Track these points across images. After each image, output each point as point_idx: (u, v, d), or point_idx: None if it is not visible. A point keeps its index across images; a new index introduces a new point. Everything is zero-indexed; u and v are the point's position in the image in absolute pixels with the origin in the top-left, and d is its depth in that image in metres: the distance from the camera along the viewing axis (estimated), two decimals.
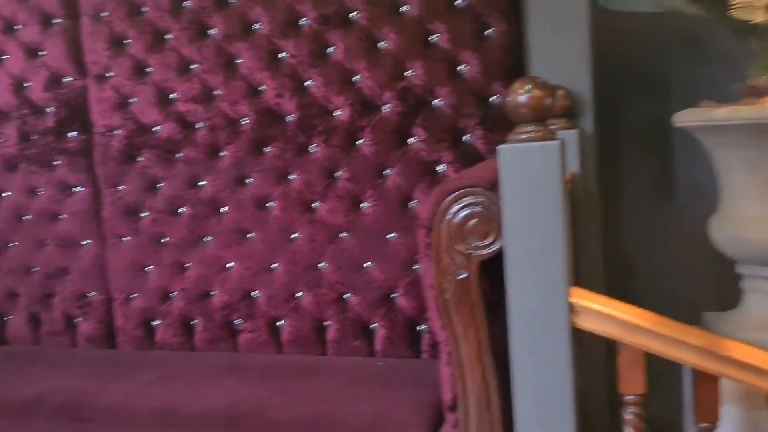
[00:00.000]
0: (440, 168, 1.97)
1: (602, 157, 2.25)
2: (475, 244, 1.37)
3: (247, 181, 2.14)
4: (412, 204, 1.99)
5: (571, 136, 1.79)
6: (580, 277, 1.77)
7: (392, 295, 2.02)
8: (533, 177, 1.28)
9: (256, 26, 2.10)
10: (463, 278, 1.38)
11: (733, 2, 1.07)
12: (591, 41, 1.92)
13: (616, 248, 2.33)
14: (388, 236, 2.01)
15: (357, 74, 2.02)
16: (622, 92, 2.30)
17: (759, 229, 1.43)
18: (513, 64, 1.92)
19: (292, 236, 2.11)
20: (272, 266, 2.14)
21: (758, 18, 1.05)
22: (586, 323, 1.28)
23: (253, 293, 2.15)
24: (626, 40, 2.24)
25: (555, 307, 1.26)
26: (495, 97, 1.91)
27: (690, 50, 2.17)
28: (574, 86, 1.89)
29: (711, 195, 1.83)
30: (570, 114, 1.87)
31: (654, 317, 1.29)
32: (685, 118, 1.50)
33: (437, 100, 1.96)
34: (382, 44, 2.00)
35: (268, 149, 2.12)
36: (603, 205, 2.24)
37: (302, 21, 2.06)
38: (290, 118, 2.09)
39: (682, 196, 2.27)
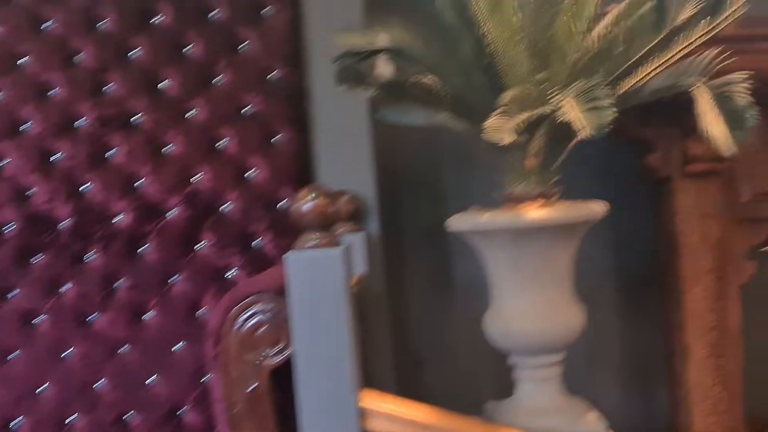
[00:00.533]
0: (230, 273, 1.93)
1: (388, 258, 2.38)
2: (265, 352, 1.35)
3: (11, 294, 1.92)
4: (201, 312, 1.91)
5: (357, 239, 1.87)
6: (371, 377, 1.80)
7: (179, 411, 1.89)
8: (319, 283, 1.31)
9: (25, 126, 1.96)
10: (253, 389, 1.34)
11: (485, 125, 1.22)
12: (373, 150, 2.05)
13: (405, 345, 2.42)
14: (174, 348, 1.91)
15: (141, 178, 1.95)
16: (405, 197, 2.47)
17: (524, 322, 1.58)
18: (301, 170, 1.99)
19: (64, 354, 1.91)
20: (39, 389, 1.90)
21: (506, 140, 1.20)
22: (377, 426, 1.29)
23: (13, 423, 1.89)
24: (407, 149, 2.43)
25: (345, 413, 1.26)
26: (284, 201, 1.95)
27: (462, 160, 2.40)
28: (359, 191, 1.99)
29: (486, 292, 2.00)
30: (356, 218, 1.96)
31: (439, 414, 1.34)
32: (455, 223, 1.64)
33: (226, 205, 1.94)
34: (168, 148, 1.96)
35: (36, 258, 1.93)
36: (391, 304, 2.35)
37: (79, 122, 1.96)
38: (64, 224, 1.94)
39: (461, 293, 2.44)
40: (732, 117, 1.25)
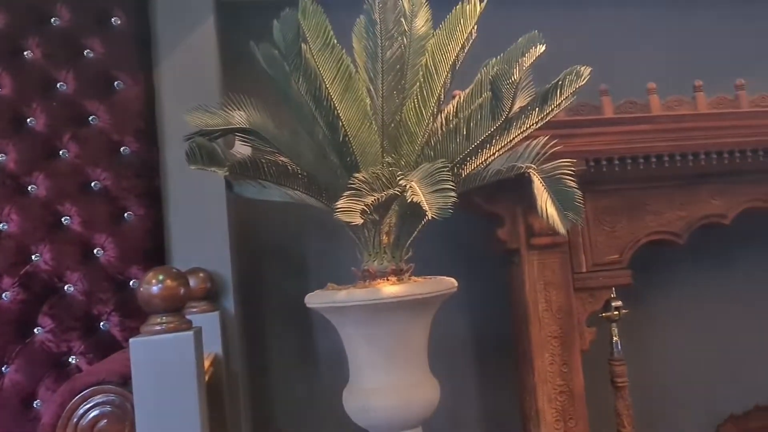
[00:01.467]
0: (70, 360, 1.79)
1: (249, 335, 2.31)
2: None
3: None
4: (36, 404, 1.75)
5: (212, 318, 1.80)
6: None
7: None
8: (167, 369, 1.25)
9: None
10: None
11: (336, 206, 1.25)
12: (230, 227, 2.02)
13: (268, 424, 2.34)
14: None
15: None
16: (268, 272, 2.44)
17: (381, 398, 1.58)
18: (153, 248, 1.91)
19: None
20: None
21: (356, 221, 1.23)
22: None
23: None
24: (270, 225, 2.41)
25: None
26: (133, 281, 1.85)
27: (325, 235, 2.42)
28: (215, 269, 1.93)
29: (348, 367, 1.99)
30: (212, 296, 1.90)
31: None
32: (312, 300, 1.64)
33: (68, 286, 1.82)
34: (2, 226, 1.82)
35: None
36: (251, 383, 2.27)
37: None
38: None
39: (326, 367, 2.41)
40: (563, 198, 1.36)
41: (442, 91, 1.64)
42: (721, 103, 2.24)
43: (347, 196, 1.25)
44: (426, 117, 1.63)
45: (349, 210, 1.22)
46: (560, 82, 1.54)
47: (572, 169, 1.41)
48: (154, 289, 1.29)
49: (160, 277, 1.29)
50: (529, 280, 2.20)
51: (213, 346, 1.78)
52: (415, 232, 1.70)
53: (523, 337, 2.25)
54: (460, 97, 1.62)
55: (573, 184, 1.39)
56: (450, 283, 1.69)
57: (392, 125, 1.64)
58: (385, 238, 1.65)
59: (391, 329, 1.59)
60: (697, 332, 2.74)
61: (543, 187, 1.35)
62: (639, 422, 2.52)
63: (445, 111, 1.69)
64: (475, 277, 2.58)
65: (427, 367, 1.70)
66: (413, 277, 1.69)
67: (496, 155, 1.58)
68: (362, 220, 1.24)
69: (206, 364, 1.58)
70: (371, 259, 1.66)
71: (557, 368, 2.18)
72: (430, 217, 1.23)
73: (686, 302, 2.74)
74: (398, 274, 1.64)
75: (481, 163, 1.60)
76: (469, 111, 1.52)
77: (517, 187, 1.68)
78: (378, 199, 1.28)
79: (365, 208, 1.23)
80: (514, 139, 1.60)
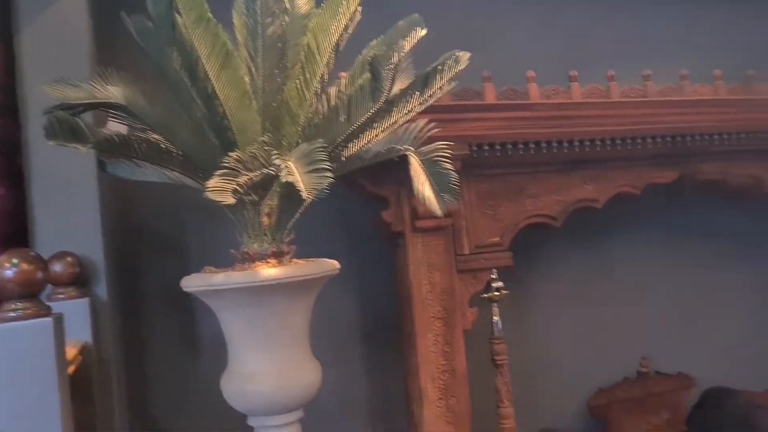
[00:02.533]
0: None
1: (126, 321, 2.21)
2: None
3: None
4: None
5: (80, 305, 1.70)
6: None
7: None
8: (23, 359, 1.16)
9: None
10: None
11: (207, 185, 1.21)
12: (103, 207, 1.91)
13: (144, 411, 2.26)
14: None
15: None
16: (146, 256, 2.33)
17: (259, 382, 1.56)
18: (15, 231, 1.77)
19: None
20: None
21: (228, 200, 1.19)
22: None
23: None
24: (146, 207, 2.30)
25: None
26: None
27: (206, 217, 2.34)
28: (85, 253, 1.82)
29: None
30: (81, 281, 1.79)
31: None
32: (189, 283, 1.58)
33: None
34: None
35: None
36: (127, 370, 2.17)
37: None
38: None
39: (206, 353, 2.35)
40: (440, 180, 1.38)
41: (326, 71, 1.62)
42: (594, 93, 2.35)
43: (219, 175, 1.21)
44: (308, 97, 1.60)
45: (221, 189, 1.18)
46: (440, 67, 1.56)
47: (450, 152, 1.43)
48: (8, 273, 1.20)
49: (15, 261, 1.20)
50: (413, 262, 2.23)
51: (82, 334, 1.69)
52: (297, 214, 1.68)
53: (407, 318, 2.29)
54: (343, 79, 1.61)
55: (450, 166, 1.41)
56: (331, 265, 1.68)
57: (274, 105, 1.60)
58: (265, 220, 1.62)
59: (270, 312, 1.57)
60: (572, 311, 2.89)
61: (421, 169, 1.36)
62: (518, 397, 2.63)
63: (329, 92, 1.67)
64: (362, 259, 2.59)
65: (309, 349, 1.69)
66: (295, 260, 1.67)
67: (377, 137, 1.58)
68: (234, 201, 1.20)
69: (73, 352, 1.49)
70: (251, 242, 1.62)
71: (440, 348, 2.24)
72: (305, 198, 1.21)
73: (562, 283, 2.88)
74: (279, 256, 1.61)
75: (364, 145, 1.60)
76: (350, 92, 1.51)
77: (401, 170, 1.69)
78: (251, 178, 1.24)
79: (237, 187, 1.19)
80: (396, 121, 1.61)
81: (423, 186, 1.35)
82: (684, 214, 3.09)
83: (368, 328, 2.60)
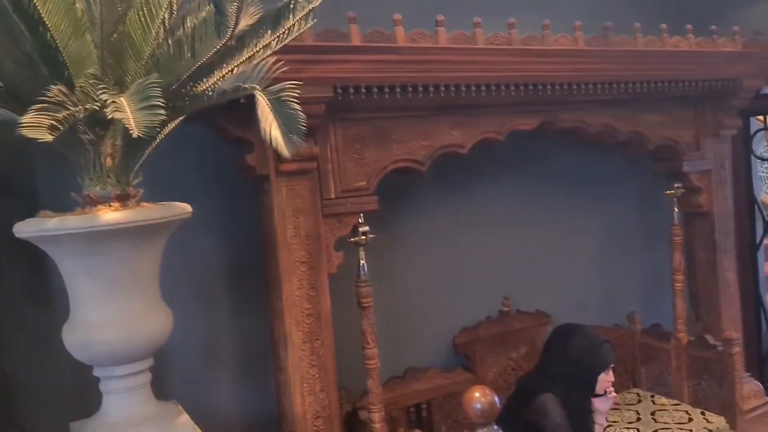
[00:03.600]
0: None
1: None
2: None
3: None
4: None
5: None
6: None
7: None
8: None
9: None
10: None
11: (20, 121, 1.11)
12: None
13: None
14: None
15: None
16: None
17: (104, 332, 1.49)
18: None
19: None
20: None
21: (45, 137, 1.10)
22: None
23: None
24: None
25: None
26: None
27: (54, 159, 2.17)
28: None
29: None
30: None
31: None
32: (22, 229, 1.47)
33: None
34: None
35: None
36: None
37: None
38: None
39: (57, 302, 2.22)
40: (288, 120, 1.34)
41: (171, 4, 1.52)
42: (459, 38, 2.36)
43: (35, 110, 1.11)
44: (154, 30, 1.50)
45: (37, 126, 1.08)
46: (292, 4, 1.50)
47: (298, 91, 1.39)
48: None
49: None
50: (278, 207, 2.20)
51: None
52: (145, 155, 1.59)
53: (272, 262, 2.27)
54: (186, 13, 1.52)
55: (298, 106, 1.37)
56: (181, 209, 1.62)
57: (114, 37, 1.49)
58: (108, 161, 1.52)
59: (115, 259, 1.50)
60: (439, 254, 2.98)
61: (268, 109, 1.32)
62: (386, 339, 2.70)
63: (175, 27, 1.57)
64: (231, 204, 2.53)
65: (158, 296, 1.63)
66: (143, 203, 1.59)
67: (227, 76, 1.51)
68: (51, 137, 1.11)
69: None
70: (93, 184, 1.52)
71: (305, 292, 2.24)
72: (135, 135, 1.14)
73: (429, 226, 2.96)
74: (124, 199, 1.53)
75: (214, 84, 1.52)
76: (194, 26, 1.42)
77: None
78: (73, 114, 1.15)
79: (56, 123, 1.10)
80: (249, 59, 1.55)
81: (270, 126, 1.31)
82: (545, 160, 3.24)
83: (235, 273, 2.56)
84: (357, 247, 2.35)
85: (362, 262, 2.35)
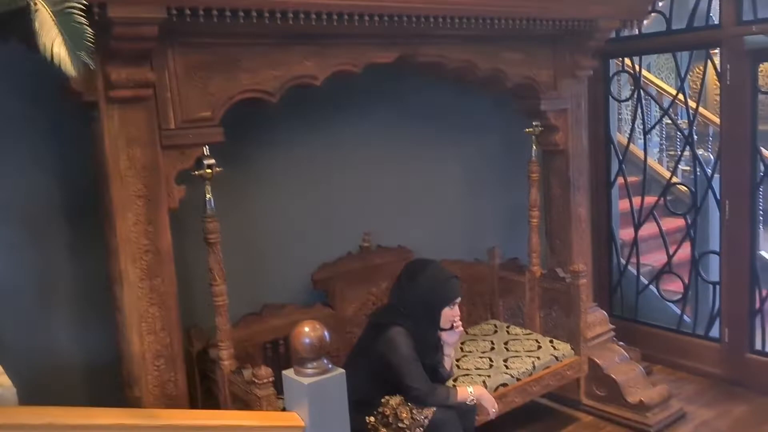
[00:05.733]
0: None
1: None
2: None
3: None
4: None
5: None
6: None
7: None
8: None
9: None
10: None
11: None
12: None
13: None
14: None
15: None
16: None
17: None
18: None
19: None
20: None
21: None
22: None
23: None
24: None
25: None
26: None
27: None
28: None
29: None
30: None
31: None
32: None
33: None
34: None
35: None
36: None
37: None
38: None
39: None
40: (74, 36, 1.21)
41: None
42: None
43: None
44: None
45: None
46: None
47: (84, 4, 1.25)
48: None
49: None
50: (109, 136, 2.05)
51: None
52: None
53: (105, 196, 2.13)
54: None
55: (84, 20, 1.24)
56: None
57: None
58: None
59: None
60: (298, 189, 2.92)
61: (51, 21, 1.18)
62: (242, 276, 2.64)
63: None
64: (63, 134, 2.34)
65: None
66: None
67: None
68: None
69: None
70: None
71: (142, 228, 2.12)
72: None
73: (289, 160, 2.89)
74: None
75: None
76: None
77: None
78: None
79: None
80: None
81: (53, 41, 1.17)
82: (408, 96, 3.22)
83: (71, 208, 2.40)
84: (202, 180, 2.24)
85: (208, 196, 2.24)
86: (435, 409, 2.40)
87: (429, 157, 3.36)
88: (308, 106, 2.82)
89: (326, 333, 1.64)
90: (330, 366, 1.64)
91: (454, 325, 2.51)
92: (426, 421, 2.38)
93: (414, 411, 2.40)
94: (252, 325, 2.69)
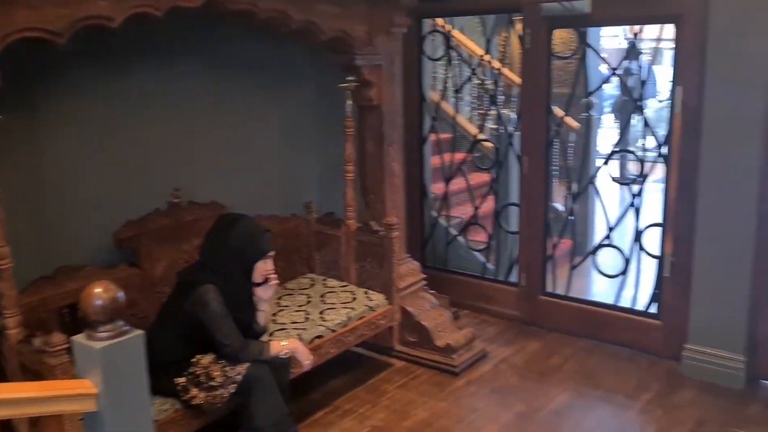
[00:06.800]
0: None
1: None
2: None
3: None
4: None
5: None
6: None
7: None
8: None
9: None
10: None
11: None
12: None
13: None
14: None
15: None
16: None
17: None
18: None
19: None
20: None
21: None
22: None
23: None
24: None
25: None
26: None
27: None
28: None
29: None
30: None
31: None
32: None
33: None
34: None
35: None
36: None
37: None
38: None
39: None
40: None
41: None
42: None
43: None
44: None
45: None
46: None
47: None
48: None
49: None
50: None
51: None
52: None
53: None
54: None
55: None
56: None
57: None
58: None
59: None
60: (98, 141, 2.71)
61: None
62: (29, 236, 2.42)
63: None
64: None
65: None
66: None
67: None
68: None
69: None
70: None
71: None
72: None
73: (86, 109, 2.66)
74: None
75: None
76: None
77: None
78: None
79: None
80: None
81: None
82: (222, 45, 3.09)
83: None
84: None
85: None
86: (248, 365, 2.38)
87: (244, 110, 3.26)
88: (108, 51, 2.60)
89: (120, 294, 1.54)
90: (126, 328, 1.54)
91: (268, 279, 2.49)
92: (239, 377, 2.36)
93: (227, 368, 2.36)
94: (44, 290, 2.47)
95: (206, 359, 2.37)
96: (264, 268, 2.46)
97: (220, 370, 2.35)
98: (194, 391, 2.34)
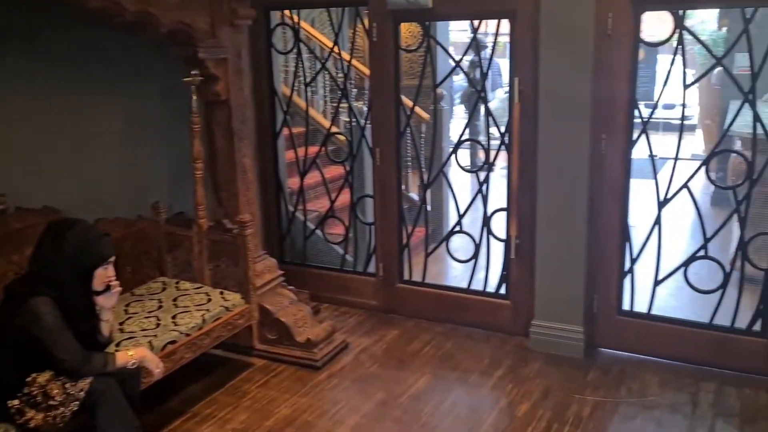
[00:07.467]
0: None
1: None
2: None
3: None
4: None
5: None
6: None
7: None
8: None
9: None
10: None
11: None
12: None
13: None
14: None
15: None
16: None
17: None
18: None
19: None
20: None
21: None
22: None
23: None
24: None
25: None
26: None
27: None
28: None
29: None
30: None
31: None
32: None
33: None
34: None
35: None
36: None
37: None
38: None
39: None
40: None
41: None
42: None
43: None
44: None
45: None
46: None
47: None
48: None
49: None
50: None
51: None
52: None
53: None
54: None
55: None
56: None
57: None
58: None
59: None
60: None
61: None
62: None
63: None
64: None
65: None
66: None
67: None
68: None
69: None
70: None
71: None
72: None
73: None
74: None
75: None
76: None
77: None
78: None
79: None
80: None
81: None
82: (49, 37, 2.86)
83: None
84: None
85: None
86: (91, 379, 2.22)
87: (83, 106, 3.04)
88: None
89: None
90: None
91: (110, 286, 2.34)
92: (82, 393, 2.20)
93: (67, 385, 2.20)
94: None
95: (43, 377, 2.19)
96: (104, 275, 2.31)
97: (60, 387, 2.19)
98: (31, 413, 2.16)
